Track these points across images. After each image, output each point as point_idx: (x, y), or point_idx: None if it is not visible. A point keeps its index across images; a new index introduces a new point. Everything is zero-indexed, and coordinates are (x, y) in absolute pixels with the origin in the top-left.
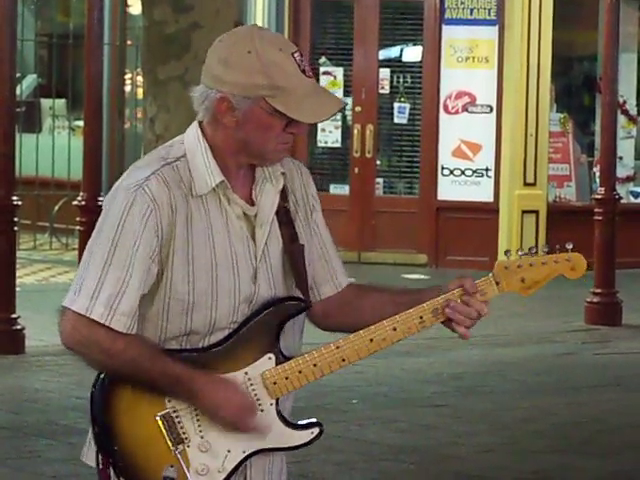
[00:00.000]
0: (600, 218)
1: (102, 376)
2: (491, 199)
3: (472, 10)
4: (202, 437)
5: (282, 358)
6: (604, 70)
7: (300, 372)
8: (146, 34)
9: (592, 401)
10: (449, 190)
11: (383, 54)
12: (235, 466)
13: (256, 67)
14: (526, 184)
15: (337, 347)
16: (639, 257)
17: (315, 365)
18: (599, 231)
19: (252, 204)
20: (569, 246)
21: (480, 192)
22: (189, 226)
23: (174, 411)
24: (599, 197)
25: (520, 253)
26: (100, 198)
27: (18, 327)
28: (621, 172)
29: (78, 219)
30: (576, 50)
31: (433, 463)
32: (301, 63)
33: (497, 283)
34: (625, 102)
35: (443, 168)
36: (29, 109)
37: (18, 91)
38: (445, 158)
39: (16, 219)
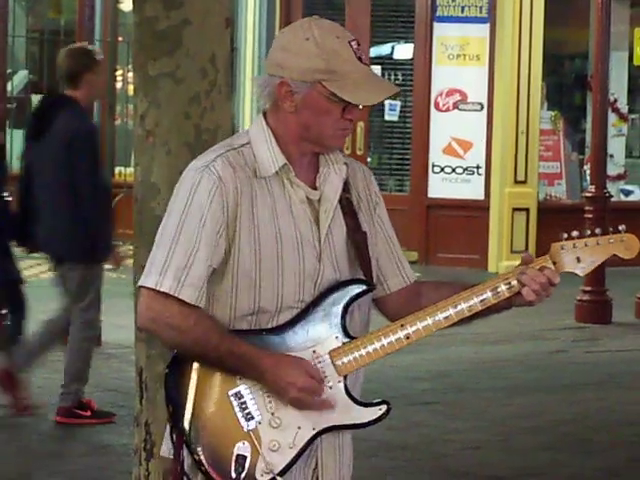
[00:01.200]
0: (590, 216)
1: (175, 357)
2: (482, 197)
3: (463, 8)
4: (273, 414)
5: (348, 337)
6: (595, 68)
7: (366, 349)
8: (137, 30)
9: (582, 398)
10: (440, 187)
11: (374, 51)
12: (306, 443)
13: (313, 52)
14: (517, 182)
15: (401, 325)
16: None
17: (380, 342)
18: (589, 229)
19: (315, 189)
20: (622, 227)
21: (471, 190)
22: (254, 206)
23: (245, 388)
24: (590, 195)
25: (575, 234)
26: None
27: (8, 323)
28: (612, 170)
29: None
30: (567, 48)
31: (424, 460)
32: (357, 51)
33: (554, 263)
34: (616, 100)
35: (434, 165)
36: (20, 105)
37: (9, 87)
38: (436, 156)
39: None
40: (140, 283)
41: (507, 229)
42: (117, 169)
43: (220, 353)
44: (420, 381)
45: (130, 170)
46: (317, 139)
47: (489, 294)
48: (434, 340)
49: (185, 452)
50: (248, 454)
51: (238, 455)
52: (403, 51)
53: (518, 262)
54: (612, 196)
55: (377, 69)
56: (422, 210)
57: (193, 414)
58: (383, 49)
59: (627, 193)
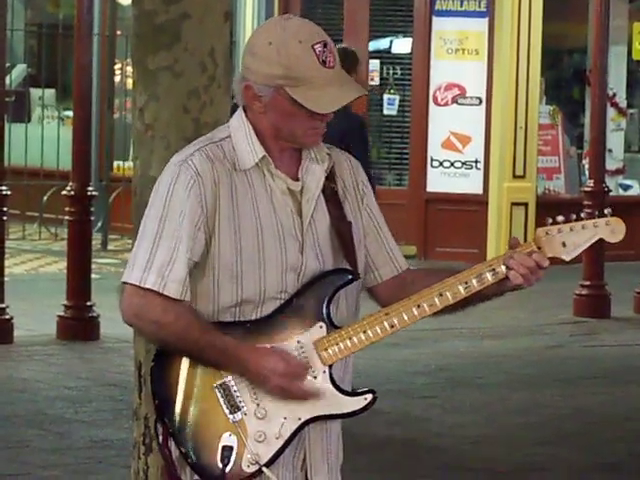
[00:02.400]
0: (589, 211)
1: (160, 350)
2: (480, 191)
3: (462, 2)
4: (258, 405)
5: (333, 327)
6: (594, 63)
7: (350, 339)
8: (136, 24)
9: (580, 393)
10: (438, 182)
11: (373, 45)
12: (292, 433)
13: (274, 58)
14: (515, 176)
15: (386, 314)
16: (627, 250)
17: (365, 332)
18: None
19: (297, 181)
20: (607, 211)
21: (469, 184)
22: (234, 199)
23: (230, 380)
24: (588, 189)
25: (560, 219)
26: (89, 188)
27: (7, 317)
28: (610, 165)
29: (67, 209)
30: (566, 43)
31: (421, 454)
32: (321, 54)
33: (539, 248)
34: (615, 95)
35: (432, 160)
36: (18, 99)
37: (7, 81)
38: (434, 150)
39: (5, 209)
40: (123, 279)
41: (506, 223)
42: (116, 163)
43: (201, 347)
44: (419, 375)
45: (129, 164)
46: (290, 138)
47: (473, 281)
48: (432, 334)
49: (172, 444)
50: (234, 445)
51: (224, 446)
52: (402, 45)
53: None
54: (611, 190)
55: (376, 63)
56: (421, 204)
57: (179, 406)
58: (382, 43)
59: (626, 187)
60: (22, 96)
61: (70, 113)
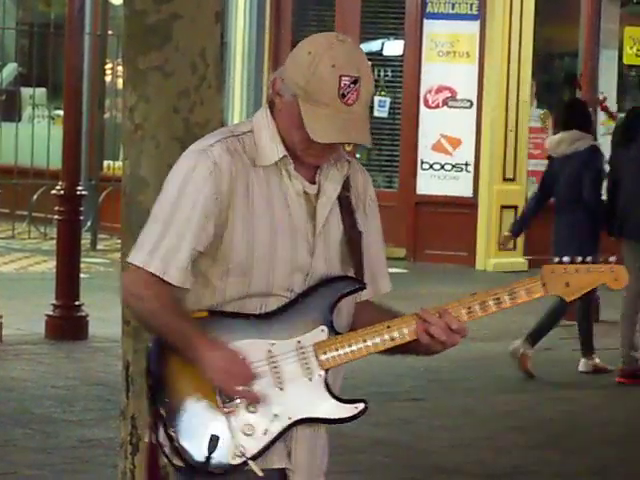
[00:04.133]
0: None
1: None
2: (470, 194)
3: (454, 5)
4: None
5: (334, 332)
6: (584, 66)
7: (350, 346)
8: (127, 24)
9: (569, 397)
10: (428, 184)
11: (364, 47)
12: (281, 431)
13: (304, 68)
14: (505, 179)
15: (388, 327)
16: (617, 253)
17: (365, 341)
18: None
19: (314, 184)
20: (612, 259)
21: (459, 187)
22: (249, 195)
23: None
24: None
25: (566, 260)
26: (79, 187)
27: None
28: None
29: (57, 208)
30: (557, 46)
31: (410, 457)
32: (345, 87)
33: (544, 285)
34: (605, 99)
35: (423, 162)
36: (9, 98)
37: None
38: (425, 152)
39: None
40: (130, 259)
41: (495, 226)
42: (106, 162)
43: (169, 329)
44: (407, 378)
45: (119, 164)
46: (291, 147)
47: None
48: None
49: (161, 426)
50: (222, 435)
51: (212, 435)
52: (393, 47)
53: (506, 260)
54: (601, 194)
55: None
56: (411, 207)
57: (172, 390)
58: (373, 45)
59: None
60: (13, 95)
61: (61, 112)
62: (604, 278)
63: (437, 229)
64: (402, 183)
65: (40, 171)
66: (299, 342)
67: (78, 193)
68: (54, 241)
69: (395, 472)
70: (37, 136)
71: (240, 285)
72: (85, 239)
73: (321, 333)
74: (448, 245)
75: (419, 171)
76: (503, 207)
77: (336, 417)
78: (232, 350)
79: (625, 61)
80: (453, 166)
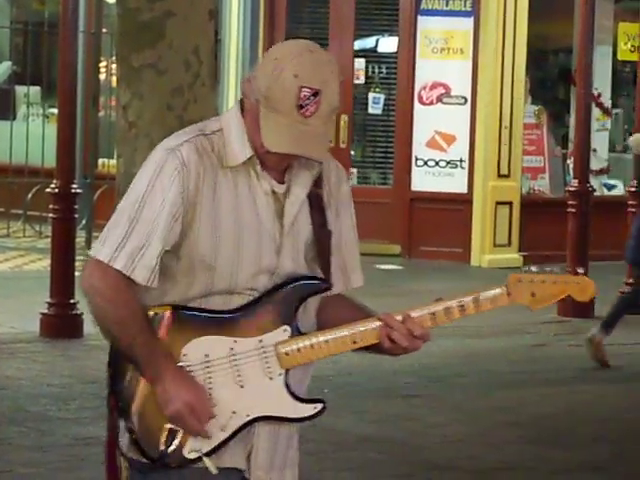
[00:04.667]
0: (574, 210)
1: None
2: (465, 190)
3: (448, 1)
4: (210, 394)
5: (297, 332)
6: (579, 63)
7: (312, 347)
8: (120, 21)
9: (564, 392)
10: (423, 181)
11: (358, 44)
12: (238, 428)
13: (268, 74)
14: (500, 176)
15: (351, 329)
16: (612, 249)
17: (327, 342)
18: (572, 223)
19: (283, 183)
20: (580, 270)
21: (454, 183)
22: (216, 194)
23: (187, 366)
24: (573, 189)
25: (535, 269)
26: (74, 185)
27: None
28: (595, 164)
29: (51, 206)
30: (551, 42)
31: (405, 453)
32: (304, 99)
33: (509, 294)
34: (600, 95)
35: (417, 159)
36: (3, 96)
37: None
38: (419, 149)
39: None
40: (92, 253)
41: (490, 223)
42: (100, 160)
43: (135, 341)
44: (401, 374)
45: (114, 162)
46: (254, 147)
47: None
48: None
49: (118, 416)
50: (180, 430)
51: (170, 429)
52: (387, 44)
53: (501, 256)
54: (595, 190)
55: (361, 62)
56: (405, 203)
57: (132, 382)
58: (367, 42)
59: (610, 187)
60: (7, 93)
61: (55, 110)
62: (570, 289)
63: (432, 226)
64: (397, 180)
65: (35, 169)
66: (261, 341)
67: (73, 191)
68: (49, 239)
69: (388, 468)
70: (32, 134)
71: (204, 283)
72: (80, 237)
73: (283, 333)
74: (443, 241)
75: (414, 168)
76: (498, 203)
77: (294, 416)
78: (199, 386)
79: (619, 57)
80: (448, 162)
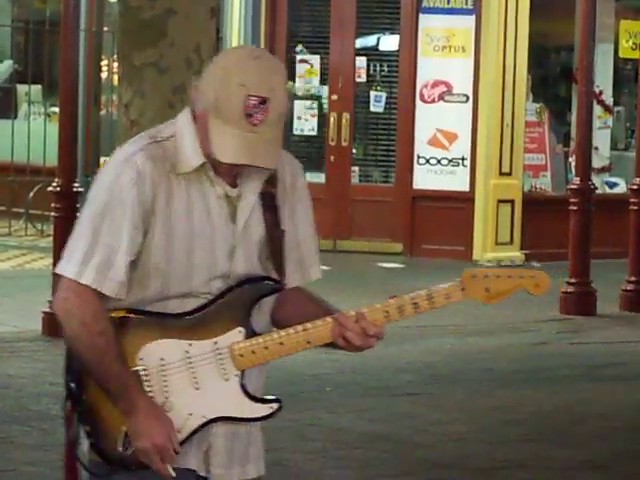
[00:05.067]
0: (575, 208)
1: None
2: (467, 188)
3: None
4: (166, 397)
5: (252, 333)
6: (580, 60)
7: (267, 348)
8: (121, 20)
9: (565, 390)
10: (425, 179)
11: (360, 42)
12: (194, 430)
13: (215, 83)
14: (502, 174)
15: (304, 329)
16: (614, 247)
17: (282, 344)
18: (574, 221)
19: (236, 187)
20: (536, 265)
21: (456, 181)
22: (169, 201)
23: (143, 369)
24: (574, 187)
25: (491, 265)
26: (75, 184)
27: None
28: (597, 162)
29: (53, 205)
30: (553, 40)
31: (406, 451)
32: (251, 107)
33: (463, 289)
34: (601, 92)
35: (419, 157)
36: (5, 95)
37: None
38: (421, 147)
39: None
40: (59, 270)
41: (492, 221)
42: (102, 159)
43: (109, 371)
44: (403, 372)
45: None
46: (206, 154)
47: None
48: (418, 331)
49: (76, 420)
50: None
51: (126, 432)
52: (389, 42)
53: (503, 254)
54: (597, 188)
55: (363, 60)
56: (407, 201)
57: (89, 386)
58: (369, 40)
59: (612, 185)
60: (8, 92)
61: (57, 109)
62: (525, 284)
63: (434, 224)
64: (398, 178)
65: (36, 168)
66: (216, 343)
67: (75, 190)
68: (51, 238)
69: (390, 467)
70: (33, 133)
71: (159, 288)
72: None
73: (238, 334)
74: (445, 240)
75: (415, 166)
76: (500, 201)
77: (250, 416)
78: (168, 423)
79: (621, 55)
80: (449, 161)
